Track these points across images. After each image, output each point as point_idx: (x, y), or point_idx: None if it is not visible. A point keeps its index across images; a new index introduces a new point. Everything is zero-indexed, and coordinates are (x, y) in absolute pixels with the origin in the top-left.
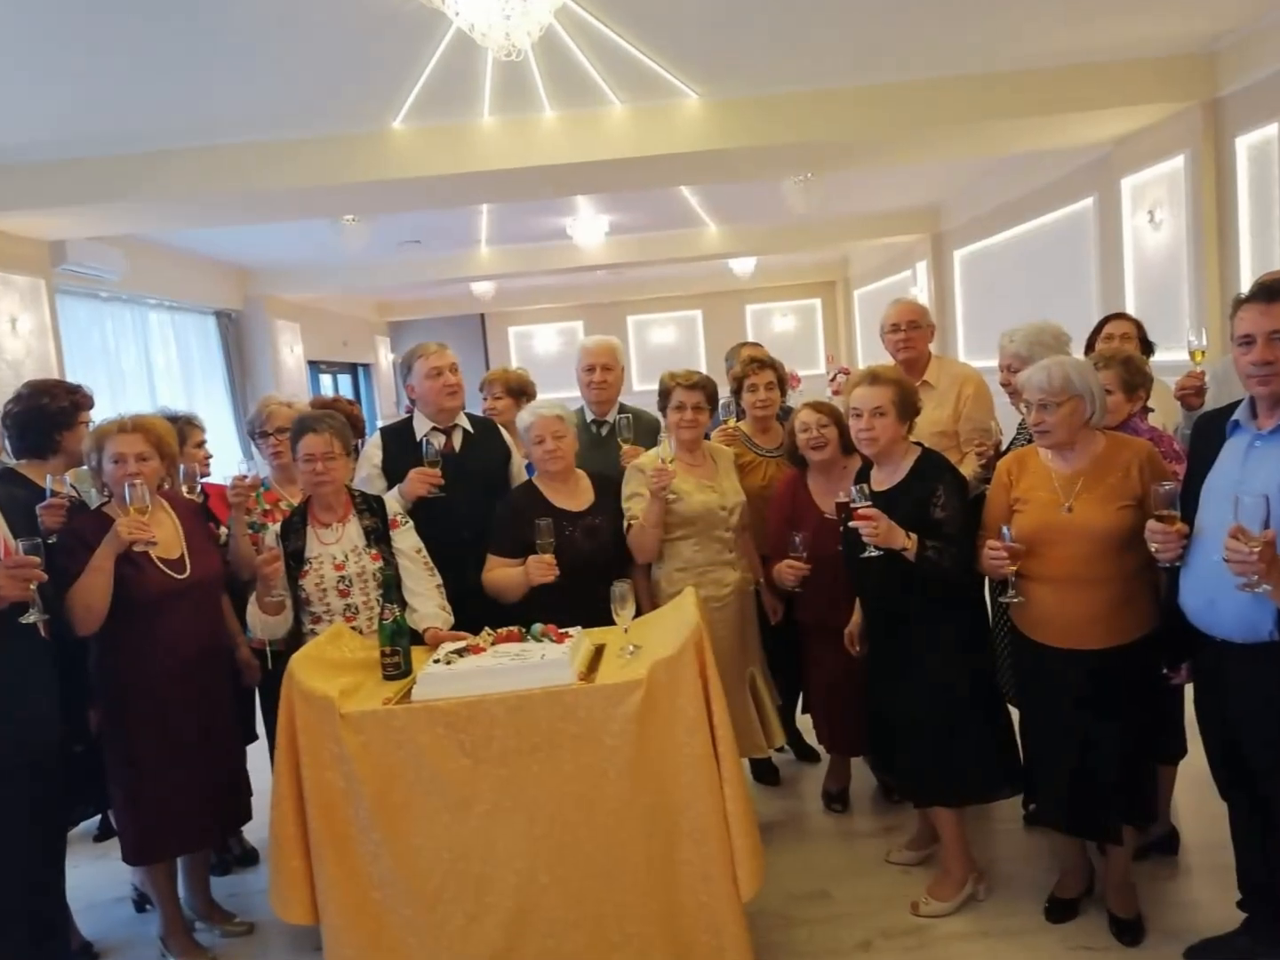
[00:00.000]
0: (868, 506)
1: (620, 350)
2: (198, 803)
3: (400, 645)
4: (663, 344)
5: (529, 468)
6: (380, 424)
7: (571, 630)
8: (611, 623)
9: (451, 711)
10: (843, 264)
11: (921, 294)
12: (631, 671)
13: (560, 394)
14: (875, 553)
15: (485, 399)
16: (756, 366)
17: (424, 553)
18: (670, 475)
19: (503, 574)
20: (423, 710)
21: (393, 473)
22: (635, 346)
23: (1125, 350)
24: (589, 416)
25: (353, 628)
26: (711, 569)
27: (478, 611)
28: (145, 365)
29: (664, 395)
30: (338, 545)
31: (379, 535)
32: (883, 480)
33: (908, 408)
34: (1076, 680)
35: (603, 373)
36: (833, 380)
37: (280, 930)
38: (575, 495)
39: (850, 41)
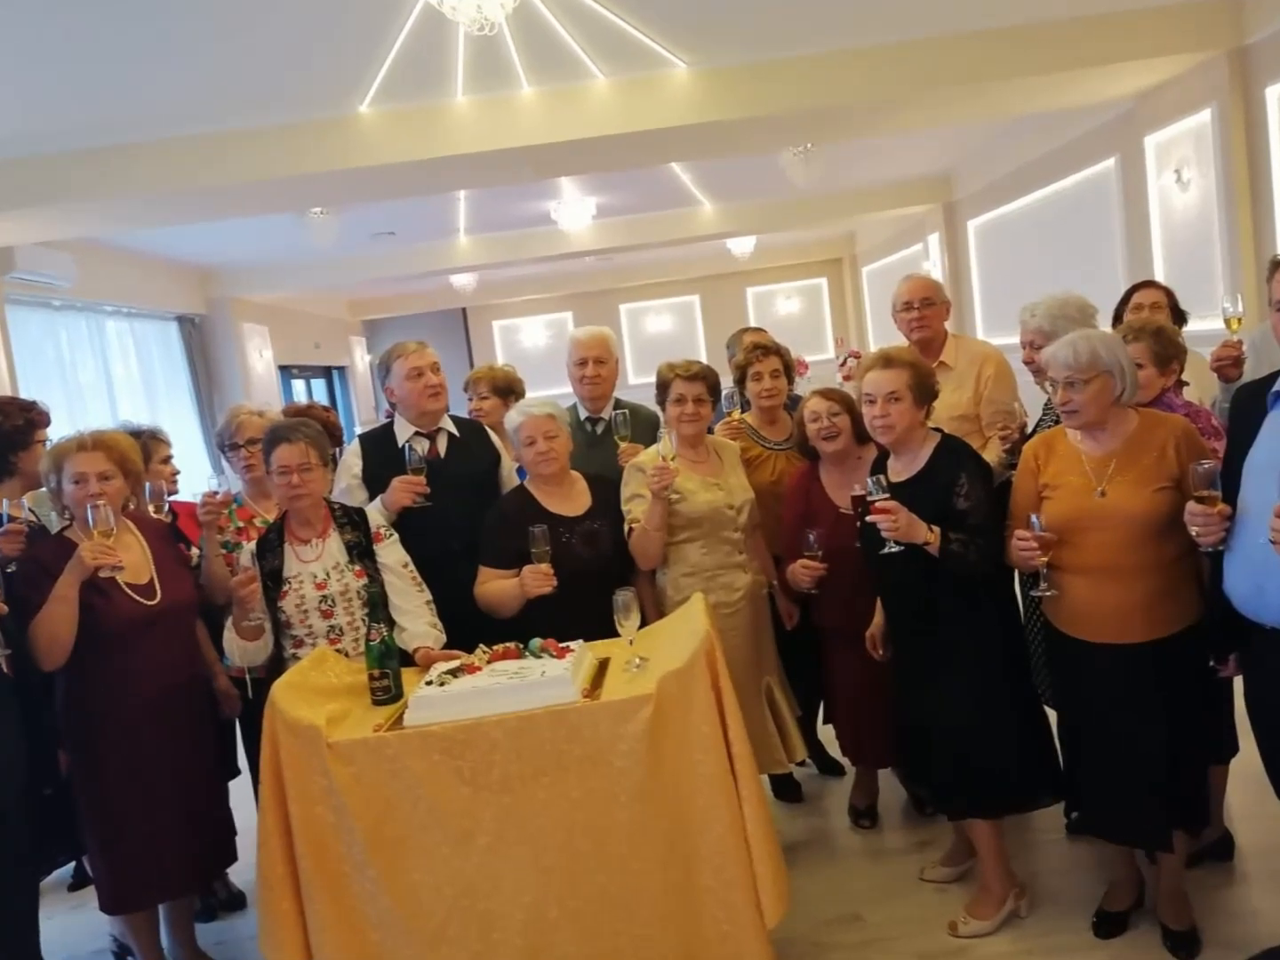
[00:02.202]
0: (886, 499)
1: (613, 341)
2: (178, 845)
3: (389, 667)
4: (659, 333)
5: (520, 472)
6: (359, 430)
7: (573, 644)
8: (615, 635)
9: (447, 736)
10: (849, 240)
11: (935, 268)
12: (639, 686)
13: (551, 391)
14: (896, 548)
15: (470, 399)
16: (760, 353)
17: (411, 567)
18: (672, 474)
19: (497, 587)
20: (416, 736)
21: (374, 482)
22: (629, 337)
23: (1156, 321)
24: (583, 414)
25: (337, 650)
26: (721, 573)
27: (471, 628)
28: (104, 377)
29: (662, 388)
30: (318, 563)
31: (362, 550)
32: (901, 470)
33: (924, 391)
34: (1117, 677)
35: (595, 366)
36: (843, 365)
37: None
38: (571, 499)
39: None
